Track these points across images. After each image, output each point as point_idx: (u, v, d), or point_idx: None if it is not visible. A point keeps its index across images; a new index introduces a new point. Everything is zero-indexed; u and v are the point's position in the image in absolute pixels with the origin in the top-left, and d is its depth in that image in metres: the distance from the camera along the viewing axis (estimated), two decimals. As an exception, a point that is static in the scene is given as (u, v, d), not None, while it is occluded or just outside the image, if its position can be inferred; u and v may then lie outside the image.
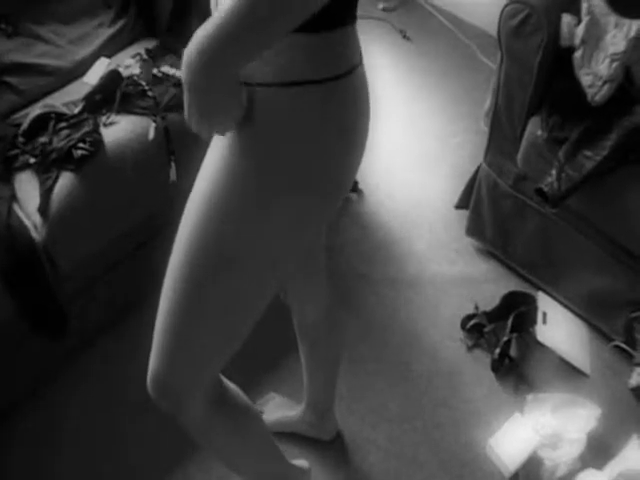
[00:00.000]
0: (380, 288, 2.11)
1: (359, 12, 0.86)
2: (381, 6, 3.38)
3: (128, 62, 1.95)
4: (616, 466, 1.54)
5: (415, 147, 2.58)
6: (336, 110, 0.83)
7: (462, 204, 2.24)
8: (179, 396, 1.00)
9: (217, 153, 0.87)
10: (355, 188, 2.40)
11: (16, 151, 1.69)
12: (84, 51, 1.99)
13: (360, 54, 0.88)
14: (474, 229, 2.20)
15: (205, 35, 0.68)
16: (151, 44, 2.05)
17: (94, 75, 1.94)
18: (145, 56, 1.96)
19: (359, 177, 2.34)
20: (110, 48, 2.04)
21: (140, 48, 2.03)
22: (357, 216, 2.33)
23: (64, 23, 2.04)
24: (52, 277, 1.58)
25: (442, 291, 2.09)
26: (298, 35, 0.77)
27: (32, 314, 1.61)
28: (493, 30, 1.87)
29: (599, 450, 1.66)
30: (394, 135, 2.64)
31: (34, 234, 1.55)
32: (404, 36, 3.19)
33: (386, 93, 2.86)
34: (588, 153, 1.67)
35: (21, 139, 1.72)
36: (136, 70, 1.90)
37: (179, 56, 1.96)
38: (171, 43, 2.01)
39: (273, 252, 0.91)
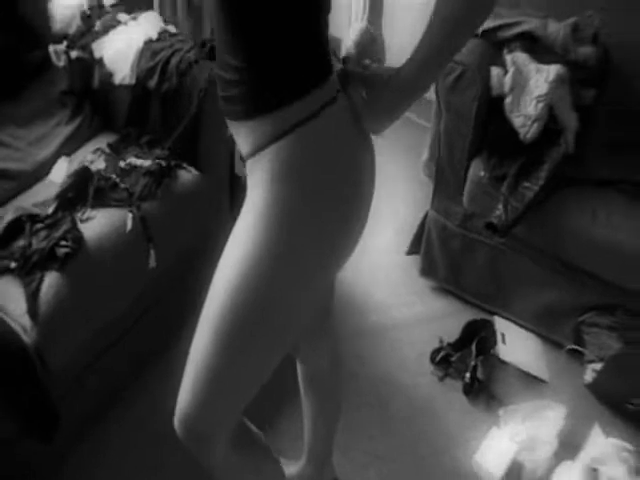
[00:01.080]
0: (347, 340, 2.21)
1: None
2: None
3: (90, 157, 1.99)
4: (587, 454, 1.77)
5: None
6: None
7: (413, 250, 2.44)
8: (206, 437, 1.10)
9: (245, 224, 0.99)
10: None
11: (-10, 257, 1.69)
12: (44, 152, 2.02)
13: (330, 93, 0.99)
14: (427, 270, 2.39)
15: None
16: (109, 138, 2.11)
17: (58, 174, 1.97)
18: (108, 150, 2.02)
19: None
20: (69, 146, 2.07)
21: (99, 143, 2.08)
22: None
23: (21, 126, 2.07)
24: (43, 377, 1.57)
25: (406, 332, 2.26)
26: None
27: (22, 416, 1.58)
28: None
29: (570, 444, 1.87)
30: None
31: (24, 337, 1.54)
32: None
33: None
34: (527, 184, 1.92)
35: (-7, 245, 1.72)
36: (101, 165, 1.95)
37: (141, 146, 2.03)
38: (131, 135, 2.08)
39: (297, 301, 1.02)
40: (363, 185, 1.05)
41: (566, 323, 2.10)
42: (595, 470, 1.67)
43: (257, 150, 0.96)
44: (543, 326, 2.19)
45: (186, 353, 1.08)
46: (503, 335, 2.18)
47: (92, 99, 2.19)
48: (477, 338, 2.15)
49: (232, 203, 2.24)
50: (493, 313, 2.28)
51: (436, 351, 2.16)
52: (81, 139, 2.13)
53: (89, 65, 2.16)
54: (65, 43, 2.18)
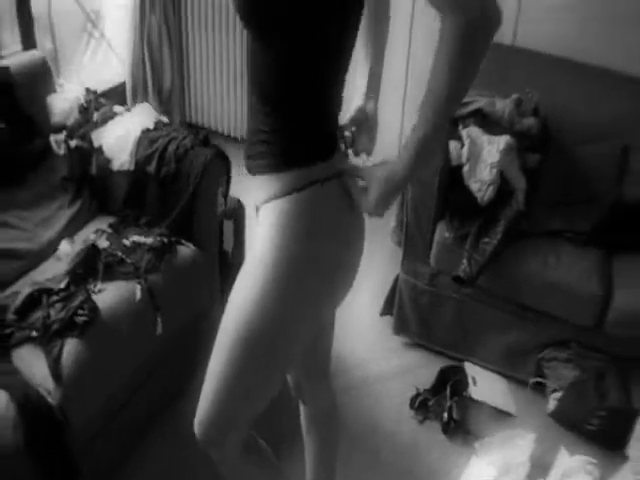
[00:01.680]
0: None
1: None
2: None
3: (93, 237, 2.22)
4: (556, 471, 2.02)
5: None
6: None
7: (386, 311, 2.70)
8: (219, 442, 1.34)
9: (253, 264, 1.25)
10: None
11: (9, 329, 1.89)
12: (49, 233, 2.24)
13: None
14: (400, 327, 2.65)
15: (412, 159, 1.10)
16: (107, 220, 2.34)
17: (64, 252, 2.19)
18: (110, 230, 2.25)
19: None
20: (71, 228, 2.29)
21: (98, 225, 2.31)
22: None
23: (26, 209, 2.29)
24: (67, 434, 1.76)
25: (386, 385, 2.50)
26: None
27: (46, 471, 1.75)
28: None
29: (540, 465, 2.12)
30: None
31: (50, 399, 1.73)
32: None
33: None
34: (487, 240, 2.26)
35: (12, 317, 1.92)
36: (104, 244, 2.17)
37: (140, 226, 2.27)
38: (130, 216, 2.32)
39: (294, 332, 1.29)
40: (353, 247, 1.31)
41: (528, 361, 2.38)
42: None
43: (271, 199, 1.22)
44: (508, 366, 2.47)
45: (192, 405, 1.34)
46: (473, 378, 2.43)
47: (90, 184, 2.43)
48: (450, 382, 2.39)
49: (221, 273, 2.49)
50: (463, 360, 2.53)
51: (414, 397, 2.40)
52: (82, 221, 2.35)
53: (87, 153, 2.42)
54: (64, 133, 2.44)
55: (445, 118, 1.08)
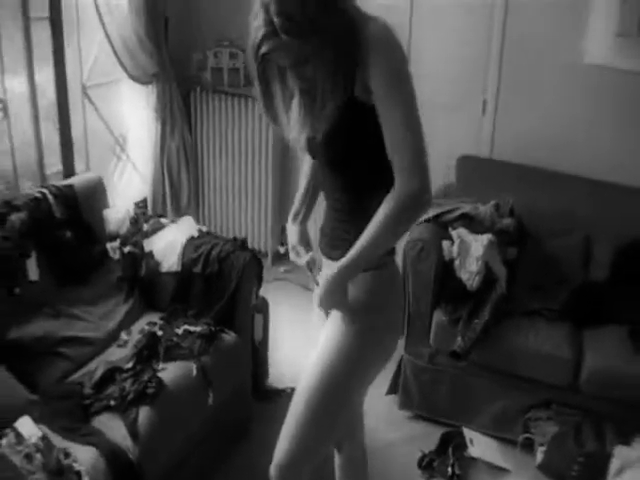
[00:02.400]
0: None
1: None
2: (282, 269, 4.42)
3: (147, 328, 2.70)
4: None
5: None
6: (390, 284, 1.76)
7: (392, 390, 3.14)
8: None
9: (333, 330, 1.73)
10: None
11: (88, 401, 2.34)
12: (111, 324, 2.73)
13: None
14: (404, 403, 3.10)
15: (342, 273, 1.61)
16: (156, 314, 2.82)
17: (124, 340, 2.67)
18: (161, 322, 2.74)
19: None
20: (128, 320, 2.77)
21: (148, 318, 2.79)
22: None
23: (90, 304, 2.77)
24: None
25: (395, 451, 2.90)
26: None
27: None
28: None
29: None
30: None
31: (130, 456, 2.18)
32: (305, 288, 4.20)
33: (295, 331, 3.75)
34: (477, 320, 2.77)
35: (90, 391, 2.38)
36: (159, 332, 2.66)
37: (188, 317, 2.76)
38: (178, 310, 2.82)
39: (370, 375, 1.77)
40: (400, 312, 1.85)
41: (516, 422, 2.83)
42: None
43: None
44: (500, 429, 2.91)
45: (239, 460, 1.85)
46: (471, 439, 2.86)
47: (140, 284, 2.94)
48: (452, 444, 2.84)
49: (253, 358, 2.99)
50: (461, 425, 2.96)
51: (421, 459, 2.82)
52: (135, 315, 2.83)
53: (138, 258, 2.94)
54: (118, 240, 2.97)
55: (364, 258, 1.60)
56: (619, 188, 3.19)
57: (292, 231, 1.94)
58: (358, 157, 1.63)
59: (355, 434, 2.11)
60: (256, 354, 3.03)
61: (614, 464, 2.34)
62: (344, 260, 1.61)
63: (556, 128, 3.48)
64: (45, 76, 3.34)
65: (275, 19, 1.42)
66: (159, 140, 4.12)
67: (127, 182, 4.23)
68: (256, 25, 1.46)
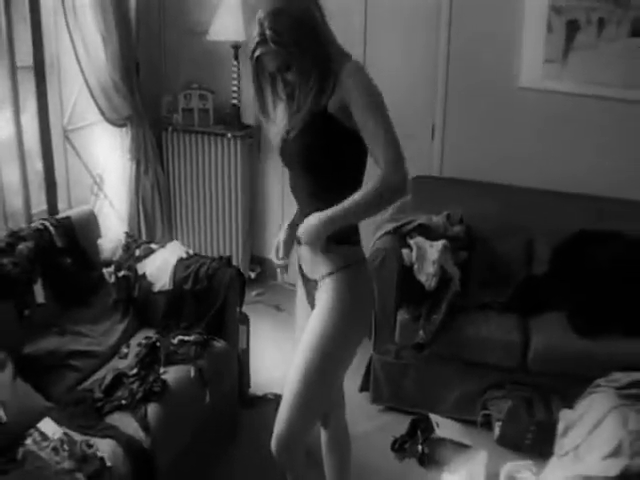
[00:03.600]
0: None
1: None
2: (254, 293, 4.78)
3: (145, 342, 3.07)
4: (504, 473, 2.83)
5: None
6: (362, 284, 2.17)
7: (364, 387, 3.57)
8: (293, 449, 2.13)
9: (317, 317, 2.12)
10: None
11: (100, 403, 2.70)
12: (111, 340, 3.08)
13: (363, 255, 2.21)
14: (376, 397, 3.52)
15: (317, 223, 1.99)
16: (150, 331, 3.17)
17: (124, 353, 3.05)
18: (157, 335, 3.11)
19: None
20: (126, 336, 3.12)
21: (144, 334, 3.14)
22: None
23: (92, 322, 3.12)
24: (156, 467, 2.54)
25: (370, 439, 3.27)
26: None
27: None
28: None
29: (494, 474, 2.92)
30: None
31: (144, 445, 2.54)
32: (278, 309, 4.62)
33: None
34: (435, 316, 3.22)
35: (100, 395, 2.73)
36: (157, 343, 3.04)
37: (181, 328, 3.14)
38: (171, 324, 3.20)
39: (348, 357, 2.17)
40: (371, 305, 2.30)
41: (475, 405, 3.27)
42: (513, 477, 2.76)
43: (328, 275, 2.08)
44: (461, 412, 3.34)
45: (236, 450, 2.28)
46: (437, 423, 3.26)
47: (135, 304, 3.31)
48: (420, 428, 3.26)
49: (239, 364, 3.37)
50: (427, 412, 3.36)
51: (394, 442, 3.24)
52: (130, 332, 3.19)
53: (131, 280, 3.32)
54: (113, 266, 3.35)
55: (341, 217, 1.96)
56: (553, 194, 3.72)
57: (283, 230, 2.32)
58: (324, 158, 2.01)
59: (339, 410, 2.50)
60: (240, 363, 3.41)
61: (560, 426, 2.74)
62: (326, 211, 1.97)
63: (497, 145, 4.00)
64: (25, 120, 3.58)
65: (267, 32, 1.88)
66: (134, 179, 4.49)
67: (105, 219, 4.57)
68: (253, 35, 1.92)
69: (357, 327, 2.19)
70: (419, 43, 4.10)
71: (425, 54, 4.10)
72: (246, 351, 3.50)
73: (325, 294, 2.11)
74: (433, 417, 3.30)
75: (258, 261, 4.99)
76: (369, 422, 3.44)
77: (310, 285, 2.24)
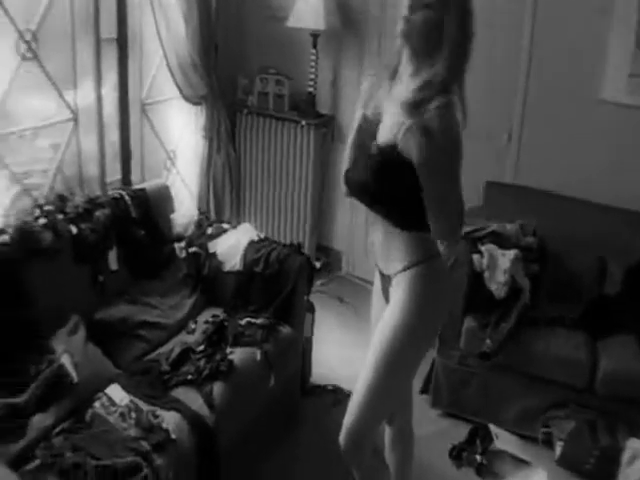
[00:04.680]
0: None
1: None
2: (319, 282, 4.75)
3: (212, 320, 3.10)
4: None
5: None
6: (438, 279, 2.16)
7: (424, 389, 3.54)
8: (361, 445, 2.17)
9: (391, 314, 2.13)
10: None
11: (166, 376, 2.74)
12: (179, 314, 3.13)
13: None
14: (436, 401, 3.50)
15: None
16: (217, 310, 3.21)
17: (191, 329, 3.09)
18: (225, 316, 3.14)
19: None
20: (193, 312, 3.17)
21: (211, 312, 3.17)
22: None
23: (162, 295, 3.18)
24: (217, 445, 2.57)
25: (429, 444, 3.20)
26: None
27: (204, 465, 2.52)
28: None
29: None
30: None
31: (208, 422, 2.57)
32: (341, 300, 4.64)
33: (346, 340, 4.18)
34: (503, 325, 3.18)
35: (167, 367, 2.77)
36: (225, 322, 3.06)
37: (248, 311, 3.16)
38: (239, 305, 3.23)
39: (421, 354, 2.18)
40: (447, 302, 2.26)
41: (536, 421, 3.22)
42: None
43: (402, 271, 2.12)
44: (521, 426, 3.28)
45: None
46: (496, 434, 3.24)
47: (203, 281, 3.36)
48: (479, 438, 3.23)
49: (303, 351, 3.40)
50: (487, 422, 3.34)
51: (452, 449, 3.21)
52: (199, 308, 3.24)
53: (202, 258, 3.36)
54: (184, 242, 3.40)
55: None
56: (629, 213, 3.63)
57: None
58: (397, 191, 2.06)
59: (406, 408, 2.50)
60: (303, 351, 3.43)
61: (626, 455, 2.70)
62: None
63: (573, 156, 3.90)
64: (105, 91, 3.68)
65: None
66: (206, 157, 4.56)
67: (176, 194, 4.63)
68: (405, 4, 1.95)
69: (430, 324, 2.19)
70: (500, 46, 4.02)
71: (506, 58, 4.05)
72: (310, 340, 3.50)
73: (399, 290, 2.12)
74: (493, 428, 3.27)
75: (324, 251, 5.02)
76: (428, 426, 3.40)
77: (385, 280, 2.24)
